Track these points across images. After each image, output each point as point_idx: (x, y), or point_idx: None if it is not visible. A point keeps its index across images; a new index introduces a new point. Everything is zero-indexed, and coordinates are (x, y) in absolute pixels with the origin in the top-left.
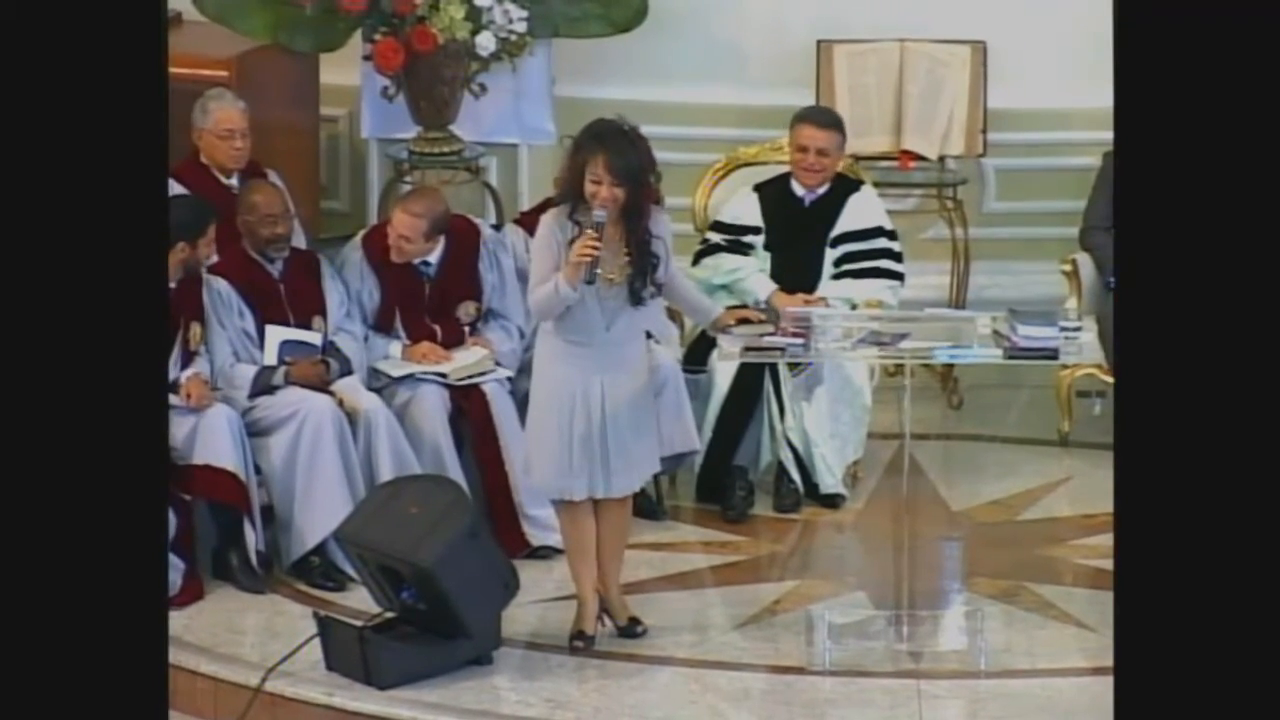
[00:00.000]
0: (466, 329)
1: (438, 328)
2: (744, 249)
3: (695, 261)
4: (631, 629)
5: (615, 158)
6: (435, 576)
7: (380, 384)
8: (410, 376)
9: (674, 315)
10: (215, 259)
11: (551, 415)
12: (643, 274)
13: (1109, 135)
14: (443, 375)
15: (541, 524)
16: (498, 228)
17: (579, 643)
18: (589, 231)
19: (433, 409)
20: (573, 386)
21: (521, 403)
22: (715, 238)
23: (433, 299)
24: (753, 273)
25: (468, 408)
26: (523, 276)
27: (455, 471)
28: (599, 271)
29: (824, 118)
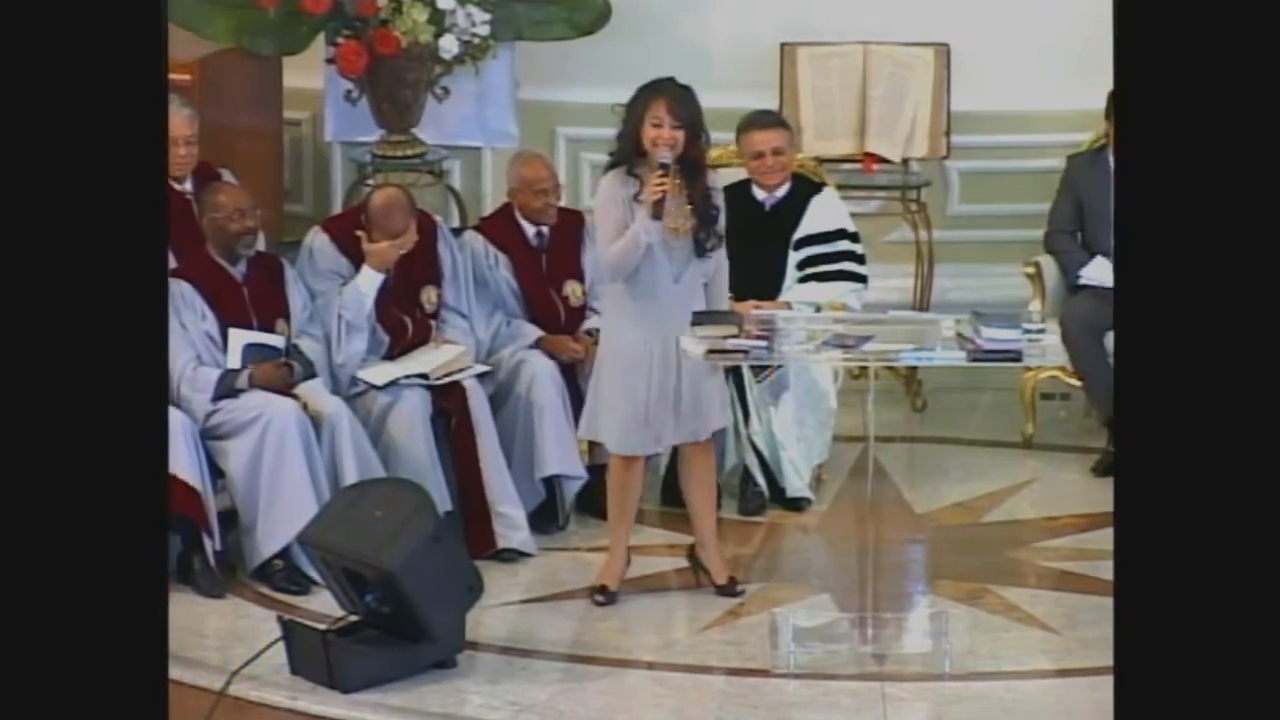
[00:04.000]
0: (432, 323)
1: (407, 319)
2: None
3: None
4: (730, 589)
5: (675, 102)
6: (399, 580)
7: (358, 390)
8: (393, 383)
9: None
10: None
11: (626, 376)
12: (706, 224)
13: (1073, 138)
14: (424, 377)
15: (511, 523)
16: (460, 231)
17: (600, 597)
18: (657, 172)
19: (414, 412)
20: (650, 345)
21: (490, 399)
22: None
23: (397, 284)
24: None
25: (448, 405)
26: (480, 280)
27: (436, 473)
28: (665, 222)
29: (768, 119)
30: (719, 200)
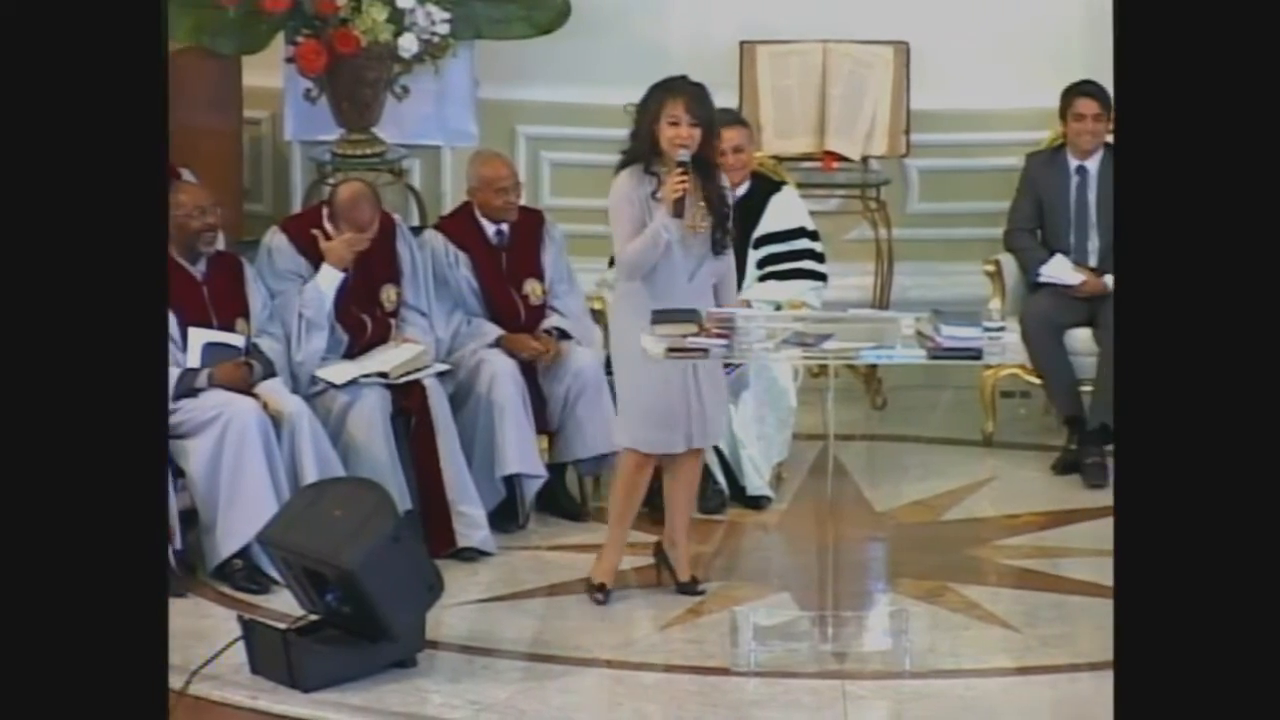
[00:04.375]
0: (392, 321)
1: (366, 318)
2: None
3: (611, 264)
4: (691, 587)
5: (692, 100)
6: (359, 579)
7: (318, 389)
8: (353, 382)
9: (597, 317)
10: None
11: (647, 374)
12: (721, 223)
13: (1032, 136)
14: (384, 375)
15: (471, 522)
16: (419, 230)
17: (600, 595)
18: (675, 170)
19: (374, 411)
20: None
21: (450, 398)
22: None
23: (357, 283)
24: None
25: (408, 404)
26: (440, 279)
27: (396, 472)
28: (683, 220)
29: (727, 117)
30: (732, 199)
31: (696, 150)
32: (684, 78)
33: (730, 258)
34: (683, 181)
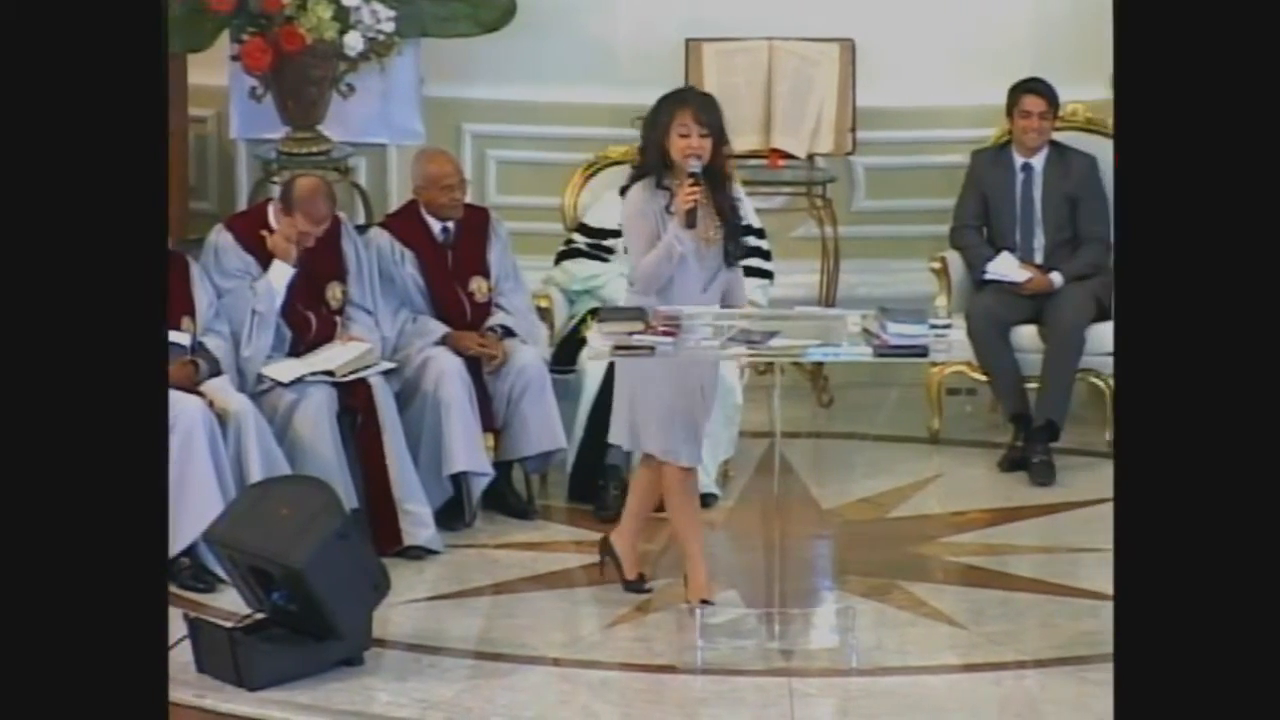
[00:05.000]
0: (337, 319)
1: (311, 315)
2: (604, 253)
3: (557, 263)
4: (639, 585)
5: (701, 110)
6: (306, 578)
7: (264, 387)
8: (299, 380)
9: (544, 314)
10: None
11: (669, 385)
12: (733, 233)
13: (978, 133)
14: (330, 374)
15: (418, 520)
16: (365, 228)
17: (705, 608)
18: (689, 181)
19: (320, 409)
20: None
21: (396, 396)
22: (578, 241)
23: (302, 281)
24: (612, 278)
25: (354, 402)
26: (386, 277)
27: (343, 471)
28: (696, 231)
29: None
30: (744, 210)
31: (708, 161)
32: (691, 88)
33: (739, 268)
34: (694, 192)
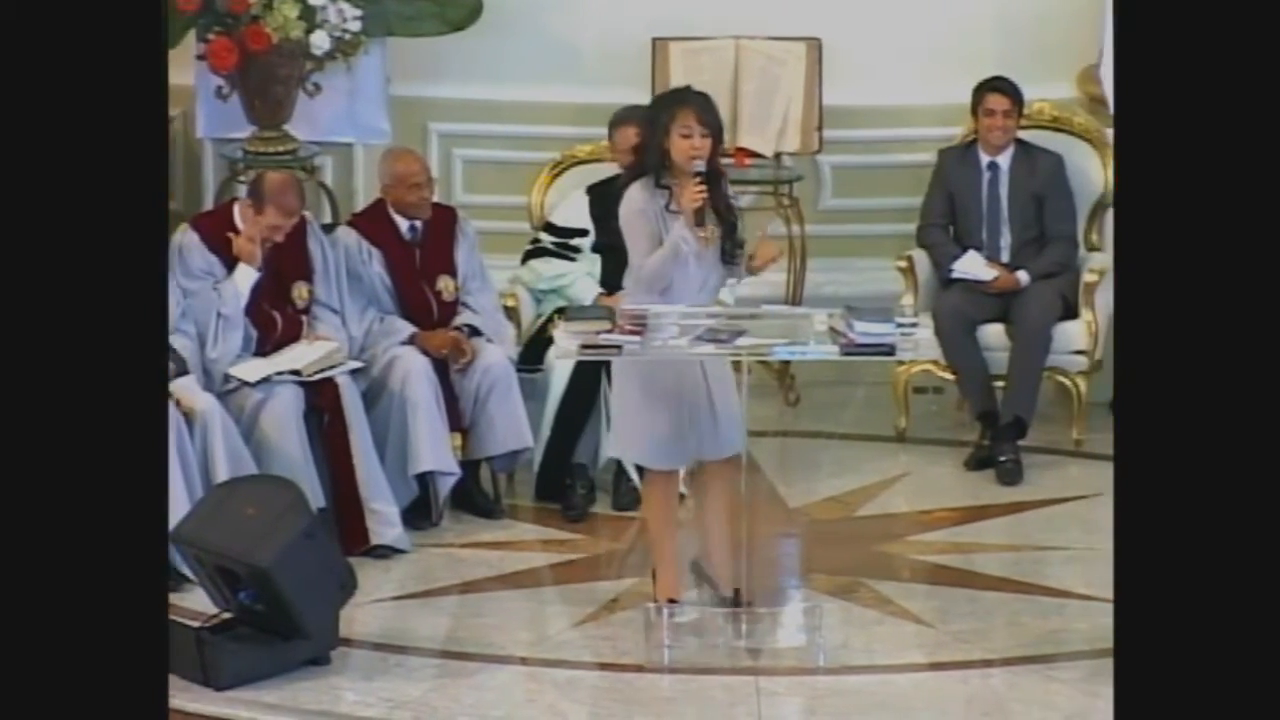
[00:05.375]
0: (303, 319)
1: (277, 315)
2: (571, 252)
3: (524, 262)
4: (737, 599)
5: (702, 110)
6: (272, 577)
7: (231, 387)
8: (266, 379)
9: (510, 314)
10: None
11: (656, 390)
12: (730, 232)
13: (944, 132)
14: (296, 373)
15: (384, 519)
16: (331, 227)
17: (675, 608)
18: (693, 180)
19: (287, 409)
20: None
21: (363, 396)
22: (544, 240)
23: (268, 280)
24: (579, 277)
25: (321, 402)
26: (353, 275)
27: (310, 470)
28: (702, 229)
29: (635, 114)
30: (738, 209)
31: (709, 158)
32: (689, 88)
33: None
34: (701, 191)
